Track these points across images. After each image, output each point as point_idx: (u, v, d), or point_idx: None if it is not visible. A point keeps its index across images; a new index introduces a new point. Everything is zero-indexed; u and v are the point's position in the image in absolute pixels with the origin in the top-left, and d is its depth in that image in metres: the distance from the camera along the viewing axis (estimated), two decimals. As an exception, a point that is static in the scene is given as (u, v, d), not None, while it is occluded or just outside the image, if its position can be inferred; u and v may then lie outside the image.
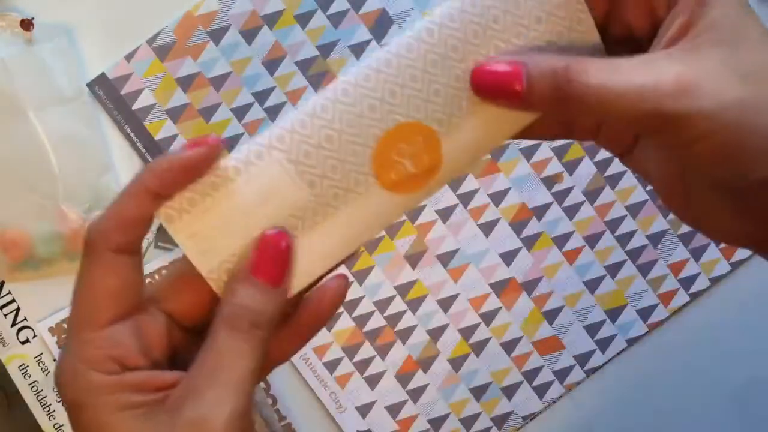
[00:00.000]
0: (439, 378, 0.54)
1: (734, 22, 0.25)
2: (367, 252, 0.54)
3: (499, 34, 0.27)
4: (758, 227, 0.27)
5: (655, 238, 0.55)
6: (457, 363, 0.54)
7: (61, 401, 0.27)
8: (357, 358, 0.54)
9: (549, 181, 0.54)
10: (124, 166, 0.53)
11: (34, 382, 0.53)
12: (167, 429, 0.25)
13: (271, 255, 0.26)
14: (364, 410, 0.54)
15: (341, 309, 0.54)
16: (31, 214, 0.50)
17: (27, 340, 0.53)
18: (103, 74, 0.53)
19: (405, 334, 0.54)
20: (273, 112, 0.54)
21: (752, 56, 0.25)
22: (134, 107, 0.53)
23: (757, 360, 0.55)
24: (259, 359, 0.26)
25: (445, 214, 0.54)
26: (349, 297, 0.54)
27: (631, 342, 0.55)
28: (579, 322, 0.55)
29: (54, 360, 0.53)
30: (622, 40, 0.29)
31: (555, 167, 0.54)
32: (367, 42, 0.54)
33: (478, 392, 0.54)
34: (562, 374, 0.55)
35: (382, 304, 0.54)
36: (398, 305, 0.54)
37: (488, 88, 0.27)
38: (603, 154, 0.55)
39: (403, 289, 0.54)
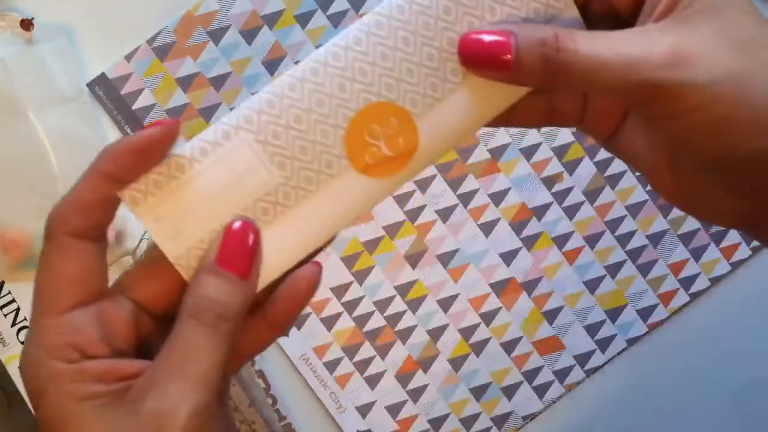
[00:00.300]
0: (439, 378, 0.54)
1: None
2: (367, 252, 0.54)
3: (472, 10, 0.26)
4: (748, 205, 0.27)
5: (655, 238, 0.54)
6: (457, 363, 0.54)
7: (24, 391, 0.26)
8: (357, 358, 0.54)
9: (549, 181, 0.54)
10: (124, 166, 0.53)
11: (34, 382, 0.53)
12: (128, 421, 0.24)
13: (238, 247, 0.26)
14: (364, 410, 0.54)
15: (341, 309, 0.54)
16: (31, 214, 0.50)
17: (27, 340, 0.53)
18: (103, 74, 0.53)
19: (405, 334, 0.54)
20: (273, 112, 0.53)
21: (743, 26, 0.25)
22: (134, 107, 0.53)
23: (757, 360, 0.55)
24: (225, 352, 0.25)
25: (445, 214, 0.54)
26: (349, 297, 0.54)
27: (631, 342, 0.55)
28: (579, 322, 0.55)
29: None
30: (605, 17, 0.28)
31: (555, 167, 0.54)
32: (367, 42, 0.54)
33: (478, 392, 0.54)
34: (562, 374, 0.55)
35: (382, 304, 0.54)
36: (398, 305, 0.54)
37: (476, 57, 0.26)
38: (603, 154, 0.55)
39: (403, 289, 0.54)
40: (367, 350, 0.54)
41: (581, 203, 0.54)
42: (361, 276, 0.54)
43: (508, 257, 0.54)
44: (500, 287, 0.54)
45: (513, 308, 0.54)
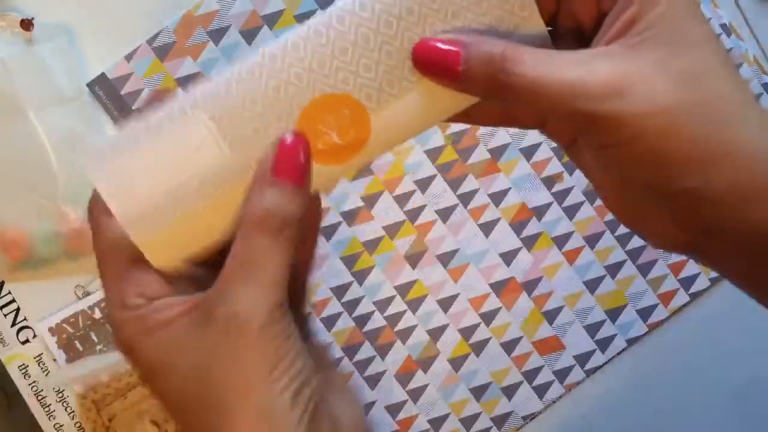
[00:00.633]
0: (439, 378, 0.54)
1: (678, 21, 0.24)
2: (367, 252, 0.54)
3: (435, 13, 0.27)
4: (687, 234, 0.26)
5: (655, 238, 0.54)
6: (457, 363, 0.54)
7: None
8: (357, 358, 0.54)
9: (549, 181, 0.54)
10: (124, 166, 0.53)
11: (34, 382, 0.53)
12: (209, 330, 0.25)
13: (291, 158, 0.27)
14: (364, 410, 0.54)
15: (341, 309, 0.54)
16: (31, 214, 0.50)
17: (27, 340, 0.53)
18: (103, 74, 0.53)
19: (405, 334, 0.54)
20: (273, 112, 0.54)
21: (690, 59, 0.24)
22: (134, 107, 0.53)
23: (757, 360, 0.55)
24: (290, 256, 0.26)
25: (445, 214, 0.54)
26: (349, 297, 0.54)
27: (631, 342, 0.55)
28: (579, 322, 0.55)
29: (54, 360, 0.53)
30: (573, 31, 0.28)
31: (555, 167, 0.54)
32: (367, 42, 0.54)
33: (478, 392, 0.54)
34: (562, 374, 0.55)
35: (382, 304, 0.54)
36: (398, 305, 0.54)
37: (428, 64, 0.27)
38: (603, 154, 0.54)
39: (403, 289, 0.54)
40: (367, 350, 0.54)
41: (581, 203, 0.54)
42: (361, 276, 0.54)
43: (508, 257, 0.54)
44: (500, 287, 0.54)
45: (513, 308, 0.54)
